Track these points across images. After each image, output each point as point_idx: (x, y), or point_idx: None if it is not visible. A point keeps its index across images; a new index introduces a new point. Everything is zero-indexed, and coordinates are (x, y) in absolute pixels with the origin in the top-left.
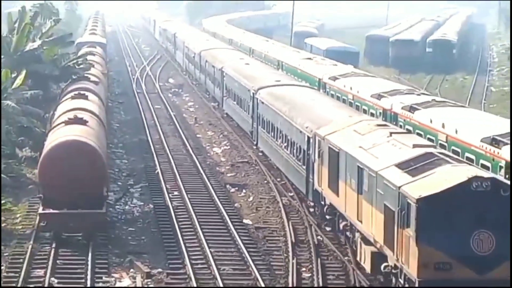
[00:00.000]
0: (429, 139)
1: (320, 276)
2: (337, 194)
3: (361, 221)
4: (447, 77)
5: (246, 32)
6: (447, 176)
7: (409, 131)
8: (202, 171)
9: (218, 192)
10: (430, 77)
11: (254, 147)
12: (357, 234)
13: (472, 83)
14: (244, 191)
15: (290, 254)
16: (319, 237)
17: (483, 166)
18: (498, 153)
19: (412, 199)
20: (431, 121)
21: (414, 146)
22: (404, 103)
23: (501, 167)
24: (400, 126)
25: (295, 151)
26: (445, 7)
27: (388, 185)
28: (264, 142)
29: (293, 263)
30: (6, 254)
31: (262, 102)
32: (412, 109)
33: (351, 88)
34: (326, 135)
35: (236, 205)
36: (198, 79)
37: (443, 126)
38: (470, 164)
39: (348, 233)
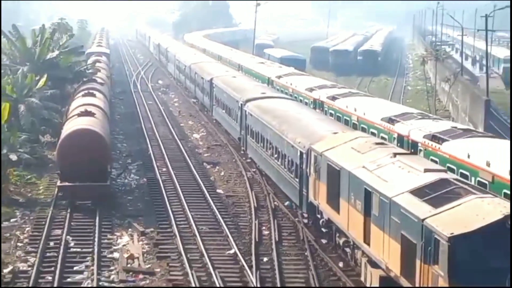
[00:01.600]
0: (345, 120)
1: (276, 233)
2: (338, 212)
3: (368, 244)
4: (373, 79)
5: (218, 43)
6: (477, 211)
7: (413, 152)
8: (184, 152)
9: (196, 168)
10: (361, 79)
11: (242, 152)
12: (359, 252)
13: (393, 83)
14: (217, 167)
15: (253, 216)
16: (275, 203)
17: (383, 138)
18: (392, 128)
19: (442, 236)
20: (346, 107)
21: (426, 170)
22: (328, 94)
23: (394, 138)
24: (325, 111)
25: (286, 163)
26: (371, 25)
27: (407, 215)
28: (252, 150)
29: (255, 223)
30: (32, 217)
31: (251, 114)
32: (333, 98)
33: (291, 84)
34: (324, 152)
35: (211, 178)
36: (188, 87)
37: (355, 110)
38: (494, 195)
39: (348, 250)
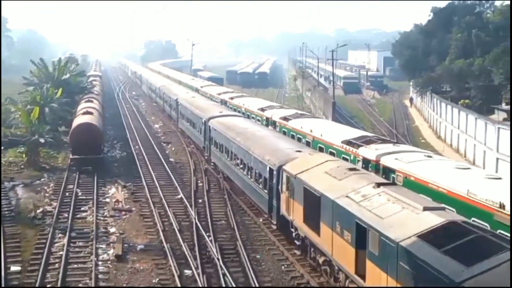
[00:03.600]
0: (298, 139)
1: (206, 184)
2: (318, 234)
3: (362, 278)
4: (265, 90)
5: (169, 69)
6: None
7: (393, 183)
8: (149, 136)
9: (157, 145)
10: (257, 90)
11: (205, 157)
12: (343, 275)
13: (277, 92)
14: (169, 145)
15: (192, 174)
16: (206, 166)
17: (346, 159)
18: (356, 151)
19: None
20: (301, 127)
21: (425, 208)
22: (279, 114)
23: (358, 161)
24: (279, 129)
25: (254, 175)
26: (262, 56)
27: (431, 270)
28: (216, 157)
29: (194, 179)
30: (54, 178)
31: (215, 129)
32: (286, 119)
33: (243, 104)
34: (298, 175)
35: (166, 152)
36: (158, 102)
37: (311, 131)
38: None
39: (327, 268)
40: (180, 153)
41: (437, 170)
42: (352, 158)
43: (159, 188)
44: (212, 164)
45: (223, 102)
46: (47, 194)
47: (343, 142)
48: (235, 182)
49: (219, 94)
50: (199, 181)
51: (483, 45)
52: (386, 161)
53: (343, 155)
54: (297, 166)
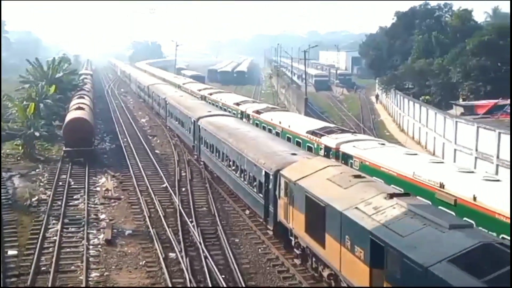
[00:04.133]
0: (269, 130)
1: (189, 174)
2: (323, 246)
3: None
4: (243, 86)
5: (155, 68)
6: None
7: (407, 193)
8: (136, 129)
9: (144, 138)
10: (235, 87)
11: (195, 156)
12: None
13: (254, 89)
14: (155, 138)
15: (176, 165)
16: (189, 157)
17: (310, 148)
18: (319, 140)
19: None
20: (271, 119)
21: (452, 226)
22: (253, 108)
23: (321, 149)
24: (252, 122)
25: (247, 177)
26: (240, 56)
27: None
28: (206, 157)
29: (177, 169)
30: (48, 168)
31: (205, 129)
32: (258, 112)
33: (220, 99)
34: (298, 181)
35: (152, 144)
36: (147, 101)
37: (280, 122)
38: None
39: (332, 282)
40: (165, 146)
41: (389, 156)
42: (315, 146)
43: (145, 178)
44: (201, 163)
45: (203, 98)
46: (42, 184)
47: (307, 132)
48: (226, 183)
49: (199, 90)
50: (182, 171)
51: (442, 46)
52: (345, 149)
53: (307, 144)
54: (296, 171)
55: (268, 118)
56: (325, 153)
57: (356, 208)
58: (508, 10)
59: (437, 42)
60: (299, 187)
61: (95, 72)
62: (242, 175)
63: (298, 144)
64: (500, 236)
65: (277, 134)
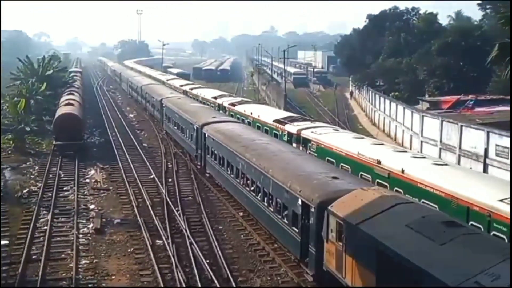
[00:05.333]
0: (242, 120)
1: (175, 166)
2: None
3: None
4: (226, 84)
5: (142, 65)
6: None
7: (478, 232)
8: (124, 124)
9: (132, 132)
10: (219, 84)
11: (198, 167)
12: None
13: (236, 86)
14: (143, 131)
15: (163, 157)
16: (175, 150)
17: (276, 135)
18: (283, 128)
19: None
20: (244, 111)
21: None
22: (228, 101)
23: (284, 135)
24: (228, 113)
25: (274, 204)
26: (224, 55)
27: None
28: (213, 169)
29: (164, 161)
30: (39, 161)
31: (212, 139)
32: (233, 104)
33: (200, 93)
34: (360, 224)
35: (140, 138)
36: (140, 102)
37: (251, 113)
38: None
39: None
40: (152, 139)
41: (339, 139)
42: (280, 133)
43: (133, 169)
44: (207, 174)
45: (185, 92)
46: (32, 176)
47: (274, 121)
48: (242, 204)
49: (182, 86)
50: (169, 163)
51: (409, 47)
52: (304, 134)
53: (274, 131)
54: (352, 208)
55: (242, 110)
56: (288, 138)
57: (476, 282)
58: (470, 14)
59: (405, 43)
60: (365, 235)
61: (85, 70)
62: (266, 199)
63: (266, 131)
64: (421, 201)
65: (249, 123)
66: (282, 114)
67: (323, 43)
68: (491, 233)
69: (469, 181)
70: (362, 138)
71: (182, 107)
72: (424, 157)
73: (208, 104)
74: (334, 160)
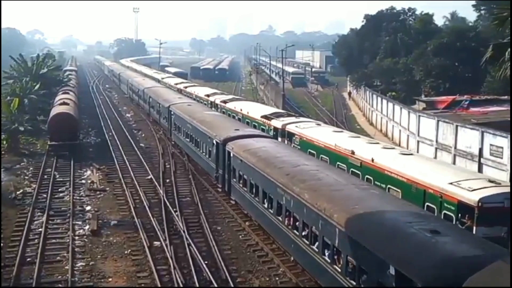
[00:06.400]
0: (233, 116)
1: (173, 166)
2: None
3: None
4: (224, 84)
5: (139, 64)
6: None
7: None
8: (121, 124)
9: (129, 132)
10: (217, 83)
11: (220, 189)
12: None
13: (235, 85)
14: (140, 131)
15: (160, 157)
16: (173, 150)
17: (263, 129)
18: (269, 123)
19: None
20: (235, 107)
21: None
22: (220, 99)
23: (270, 130)
24: (220, 110)
25: (345, 263)
26: (222, 54)
27: None
28: (244, 200)
29: (162, 161)
30: (33, 162)
31: (240, 160)
32: (225, 102)
33: (194, 91)
34: None
35: (137, 138)
36: (142, 106)
37: (241, 109)
38: None
39: None
40: (150, 139)
41: (320, 133)
42: (267, 128)
43: (130, 170)
44: (232, 201)
45: (179, 90)
46: (26, 177)
47: (261, 116)
48: (286, 249)
49: (176, 84)
50: (166, 163)
51: (406, 47)
52: (289, 128)
53: (261, 126)
54: None
55: (232, 107)
56: (274, 132)
57: None
58: (465, 15)
59: (402, 43)
60: None
61: (80, 68)
62: (328, 253)
63: (254, 127)
64: (387, 187)
65: (239, 119)
66: (269, 110)
67: (321, 43)
68: (442, 212)
69: (427, 168)
70: (341, 131)
71: (195, 116)
72: (393, 148)
73: (201, 102)
74: (315, 152)
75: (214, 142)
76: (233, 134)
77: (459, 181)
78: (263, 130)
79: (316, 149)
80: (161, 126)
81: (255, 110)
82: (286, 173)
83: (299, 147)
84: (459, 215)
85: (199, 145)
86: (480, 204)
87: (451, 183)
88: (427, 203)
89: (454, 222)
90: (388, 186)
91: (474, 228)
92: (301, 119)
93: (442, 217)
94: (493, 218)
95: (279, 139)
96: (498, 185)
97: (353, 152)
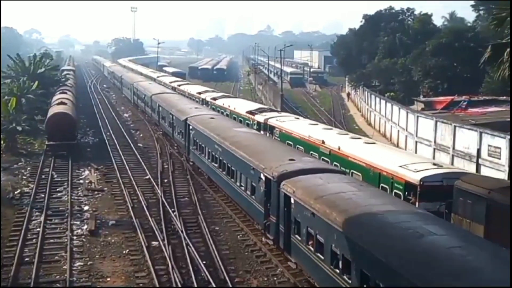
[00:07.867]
0: (222, 112)
1: (171, 167)
2: None
3: None
4: (222, 84)
5: (136, 64)
6: None
7: None
8: (119, 123)
9: (127, 132)
10: (215, 83)
11: (274, 247)
12: None
13: (233, 85)
14: (138, 131)
15: (158, 157)
16: (171, 151)
17: (248, 124)
18: (253, 118)
19: None
20: (223, 104)
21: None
22: (211, 96)
23: (254, 124)
24: (210, 106)
25: None
26: (220, 54)
27: None
28: (314, 268)
29: (160, 161)
30: (31, 162)
31: (301, 205)
32: (214, 99)
33: (186, 89)
34: None
35: (135, 138)
36: (149, 114)
37: (228, 106)
38: None
39: None
40: (148, 139)
41: (297, 126)
42: (251, 122)
43: (128, 170)
44: (293, 264)
45: (173, 88)
46: (24, 177)
47: (246, 112)
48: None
49: (171, 82)
50: (164, 164)
51: (404, 47)
52: (270, 122)
53: (246, 121)
54: None
55: (221, 103)
56: (258, 126)
57: None
58: (463, 15)
59: (401, 43)
60: None
61: (78, 68)
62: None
63: (240, 121)
64: (351, 171)
65: (227, 115)
66: (254, 106)
67: (319, 43)
68: (393, 191)
69: (383, 154)
70: (316, 124)
71: (226, 135)
72: (360, 138)
73: (193, 99)
74: (292, 143)
75: (262, 177)
76: (289, 167)
77: (407, 164)
78: (248, 124)
79: (293, 140)
80: (175, 142)
81: (241, 106)
82: (376, 226)
83: (279, 139)
84: (406, 193)
85: (235, 176)
86: (421, 182)
87: (400, 166)
88: (381, 184)
89: (401, 199)
90: (352, 170)
91: (417, 203)
92: (283, 113)
93: (393, 195)
94: (433, 194)
95: (262, 132)
96: (439, 167)
97: (323, 142)
